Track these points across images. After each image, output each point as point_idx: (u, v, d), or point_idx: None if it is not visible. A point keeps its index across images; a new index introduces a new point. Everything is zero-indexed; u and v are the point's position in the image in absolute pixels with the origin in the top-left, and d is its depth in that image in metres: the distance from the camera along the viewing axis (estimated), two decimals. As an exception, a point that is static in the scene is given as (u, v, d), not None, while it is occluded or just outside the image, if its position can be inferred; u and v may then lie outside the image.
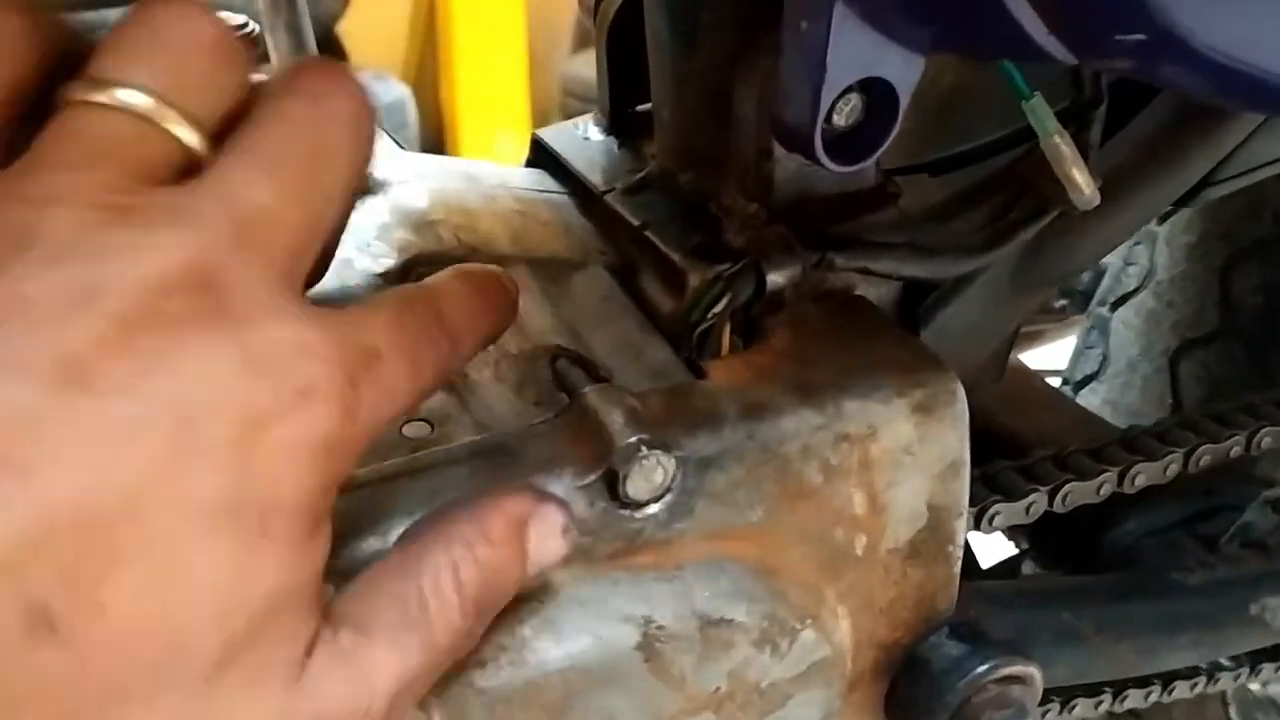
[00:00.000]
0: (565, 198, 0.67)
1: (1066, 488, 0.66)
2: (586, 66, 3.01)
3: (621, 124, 0.68)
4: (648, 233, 0.60)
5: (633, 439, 0.47)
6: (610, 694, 0.48)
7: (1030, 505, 0.65)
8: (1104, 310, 0.95)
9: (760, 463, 0.51)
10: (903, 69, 0.53)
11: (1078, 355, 0.97)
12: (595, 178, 0.65)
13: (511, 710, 0.46)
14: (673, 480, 0.49)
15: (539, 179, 0.69)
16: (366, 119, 0.37)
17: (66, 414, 0.28)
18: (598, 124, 0.69)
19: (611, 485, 0.48)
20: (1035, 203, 0.60)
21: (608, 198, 0.63)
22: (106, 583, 0.28)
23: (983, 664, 0.59)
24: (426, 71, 3.01)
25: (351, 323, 0.35)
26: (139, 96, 0.33)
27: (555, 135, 0.69)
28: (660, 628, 0.48)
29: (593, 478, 0.48)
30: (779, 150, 0.57)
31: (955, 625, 0.61)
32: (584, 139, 0.68)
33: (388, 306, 0.37)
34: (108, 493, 0.28)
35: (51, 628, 0.27)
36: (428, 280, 0.40)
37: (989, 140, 0.67)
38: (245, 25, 0.71)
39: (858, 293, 0.60)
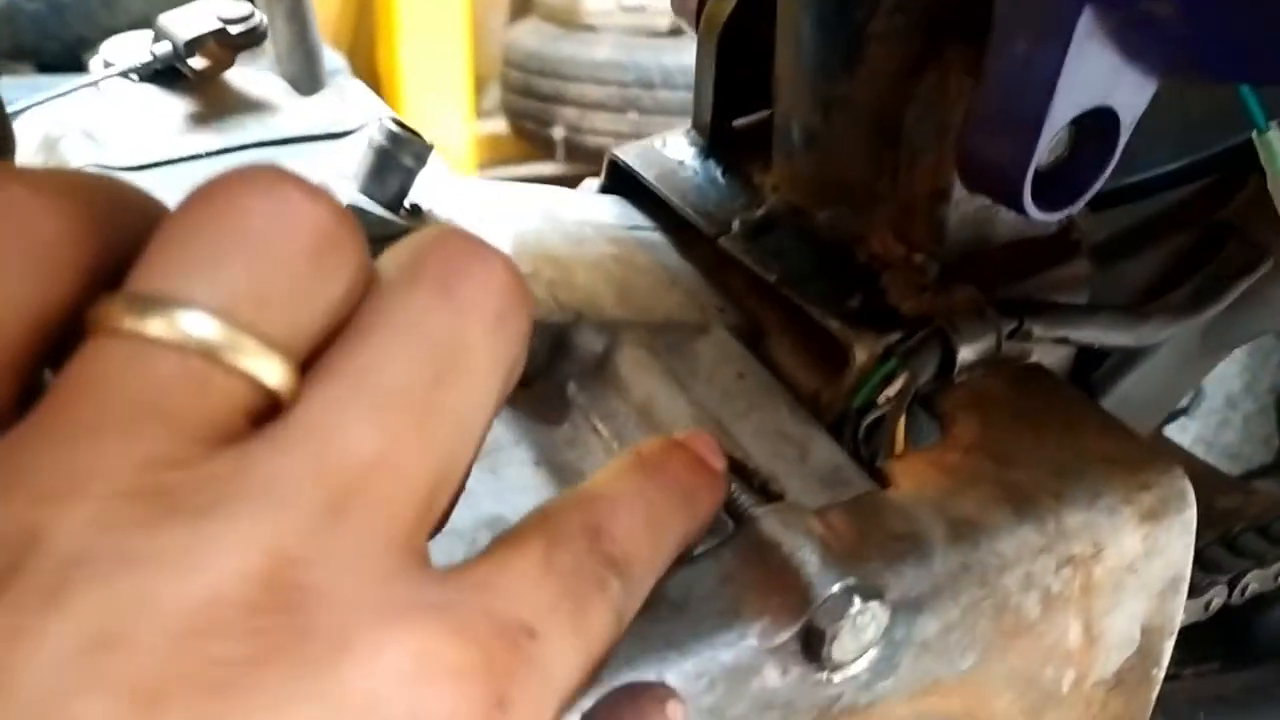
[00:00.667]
0: (658, 235, 0.55)
1: (1247, 577, 0.56)
2: (528, 35, 2.88)
3: (723, 144, 0.57)
4: (786, 290, 0.48)
5: (838, 586, 0.36)
6: None
7: (1209, 602, 0.56)
8: (1194, 339, 0.86)
9: (977, 599, 0.40)
10: (1132, 97, 0.43)
11: (1161, 387, 0.88)
12: (699, 215, 0.53)
13: None
14: (882, 634, 0.38)
15: (621, 211, 0.57)
16: (518, 311, 0.25)
17: None
18: (693, 144, 0.57)
19: (810, 645, 0.37)
20: (1246, 251, 0.50)
21: (723, 242, 0.51)
22: None
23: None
24: (363, 39, 2.86)
25: (487, 589, 0.24)
26: (204, 323, 0.22)
27: (639, 157, 0.57)
28: (873, 828, 0.38)
29: (786, 636, 0.37)
30: (958, 191, 0.47)
31: (1143, 754, 0.51)
32: (677, 162, 0.57)
33: (532, 548, 0.25)
34: None
35: None
36: (582, 486, 0.28)
37: (1158, 173, 0.56)
38: (250, 16, 0.58)
39: (1034, 360, 0.50)
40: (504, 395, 0.26)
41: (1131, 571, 0.44)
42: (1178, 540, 0.45)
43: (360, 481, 0.22)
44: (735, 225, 0.52)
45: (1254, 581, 0.56)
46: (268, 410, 0.23)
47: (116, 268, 0.23)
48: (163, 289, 0.22)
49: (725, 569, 0.38)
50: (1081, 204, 0.44)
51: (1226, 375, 0.84)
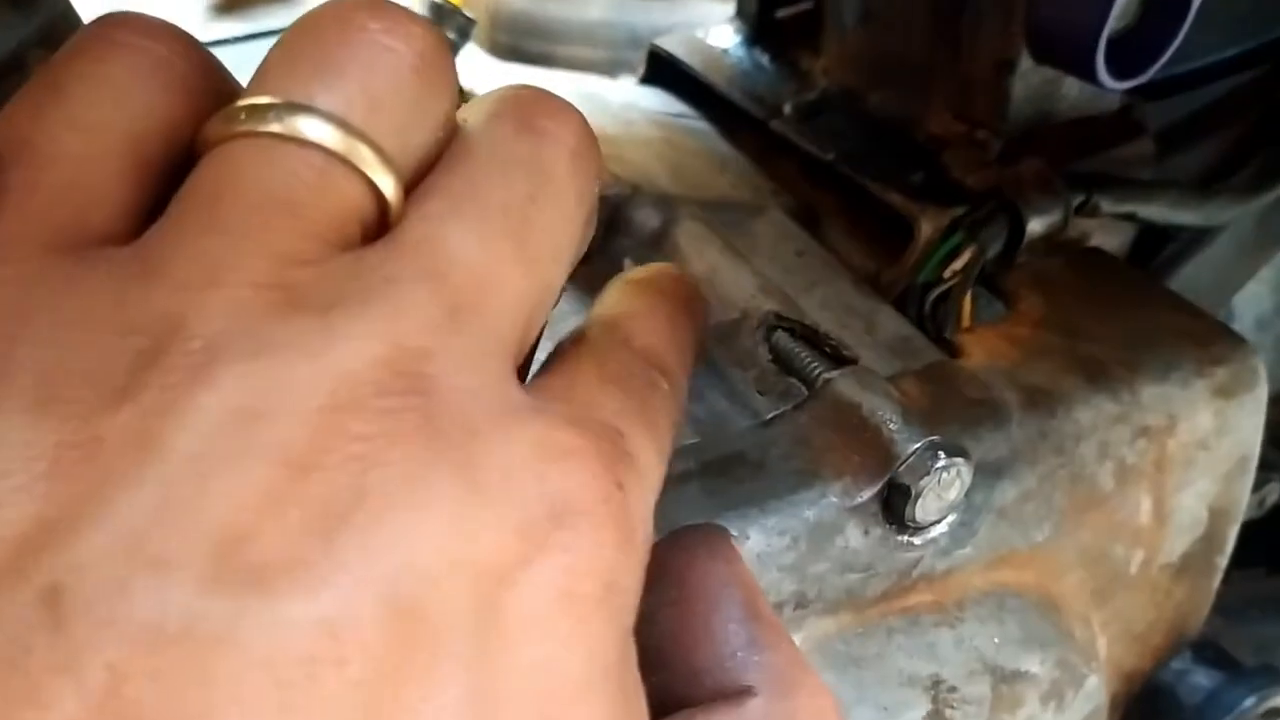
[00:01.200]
0: (703, 123, 0.54)
1: (1299, 474, 0.55)
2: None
3: (769, 32, 0.55)
4: (843, 168, 0.47)
5: (922, 443, 0.35)
6: (887, 778, 0.36)
7: (1264, 498, 0.55)
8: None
9: (1054, 468, 0.39)
10: (1206, -44, 0.42)
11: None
12: (748, 100, 0.52)
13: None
14: (965, 494, 0.37)
15: (663, 100, 0.55)
16: (592, 152, 0.26)
17: (233, 632, 0.18)
18: (737, 32, 0.56)
19: (892, 505, 0.36)
20: (1312, 134, 0.49)
21: (775, 125, 0.50)
22: None
23: (1246, 696, 0.48)
24: None
25: (570, 400, 0.24)
26: (324, 128, 0.22)
27: (682, 46, 0.56)
28: (952, 690, 0.37)
29: (868, 495, 0.35)
30: (1024, 63, 0.45)
31: (1199, 647, 0.50)
32: (721, 52, 0.55)
33: (585, 365, 0.26)
34: None
35: None
36: (597, 312, 0.28)
37: (1214, 61, 0.55)
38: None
39: (1093, 243, 0.48)
40: (586, 236, 0.27)
41: (1203, 448, 0.43)
42: (1249, 419, 0.44)
43: (470, 290, 0.22)
44: (786, 109, 0.50)
45: (1304, 479, 0.56)
46: (377, 221, 0.23)
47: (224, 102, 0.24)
48: (287, 96, 0.22)
49: (802, 430, 0.37)
50: (1152, 73, 0.43)
51: (1257, 296, 0.83)
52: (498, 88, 0.26)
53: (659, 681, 0.24)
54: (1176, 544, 0.45)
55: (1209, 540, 0.46)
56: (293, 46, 0.23)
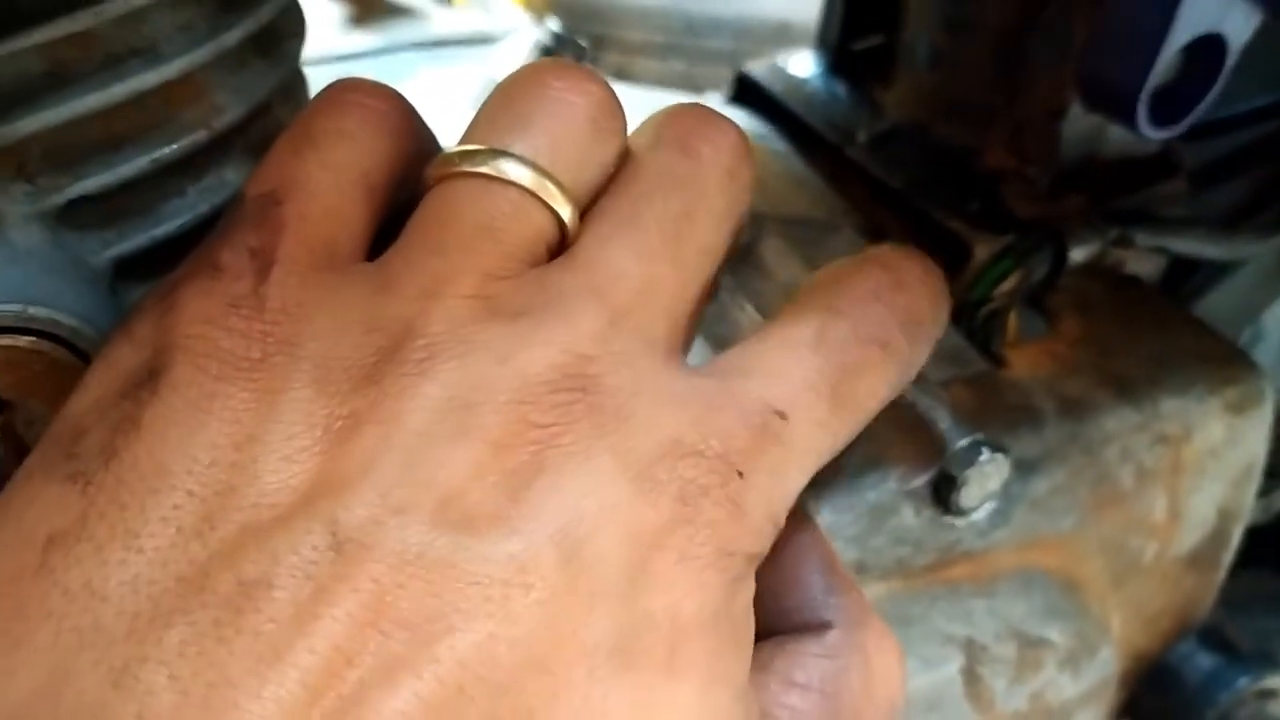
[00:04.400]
0: (784, 145, 0.60)
1: (1308, 484, 0.61)
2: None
3: (846, 64, 0.61)
4: (909, 195, 0.53)
5: (969, 440, 0.42)
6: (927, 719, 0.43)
7: (1270, 503, 0.61)
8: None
9: (1081, 467, 0.46)
10: (1240, 25, 0.47)
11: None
12: (825, 126, 0.58)
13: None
14: (1003, 486, 0.43)
15: (748, 122, 0.62)
16: (746, 165, 0.32)
17: (454, 559, 0.24)
18: (817, 62, 0.62)
19: (941, 491, 0.42)
20: (1332, 180, 0.55)
21: (849, 151, 0.56)
22: None
23: (1243, 676, 0.54)
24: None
25: (745, 375, 0.29)
26: (520, 169, 0.29)
27: (768, 73, 0.62)
28: (983, 649, 0.43)
29: (921, 481, 0.42)
30: (1074, 109, 0.51)
31: (1204, 633, 0.56)
32: (802, 80, 0.62)
33: (796, 331, 0.30)
34: (507, 644, 0.24)
35: None
36: (832, 270, 0.33)
37: (1248, 108, 0.61)
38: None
39: (1129, 271, 0.55)
40: (733, 239, 0.32)
41: (1214, 456, 0.49)
42: (1255, 432, 0.50)
43: (631, 299, 0.28)
44: (860, 136, 0.57)
45: (1314, 489, 0.62)
46: (558, 241, 0.30)
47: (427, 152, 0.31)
48: (489, 143, 0.29)
49: (867, 427, 0.43)
50: (1189, 123, 0.49)
51: (1284, 317, 0.89)
52: (664, 108, 0.32)
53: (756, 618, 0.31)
54: (1187, 540, 0.51)
55: (1216, 538, 0.52)
56: (496, 103, 0.31)
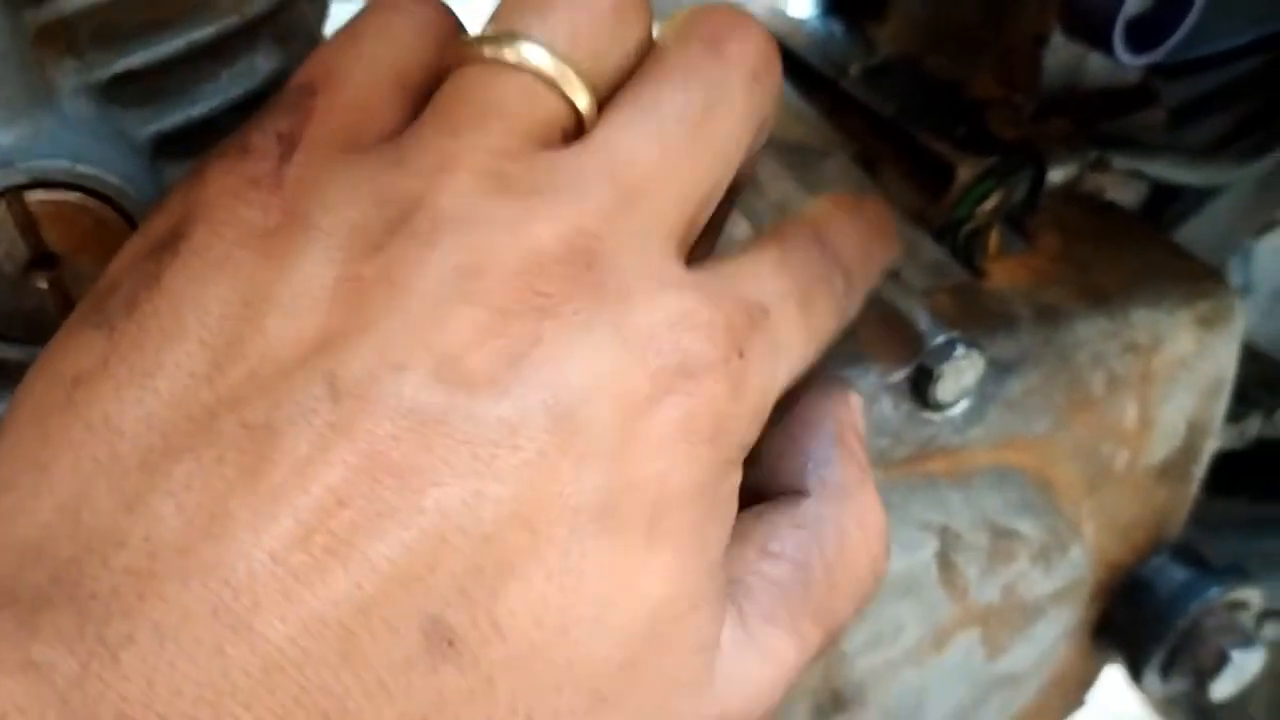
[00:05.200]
0: (785, 82, 0.63)
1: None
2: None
3: (841, 4, 0.64)
4: (900, 121, 0.56)
5: (945, 337, 0.44)
6: (902, 603, 0.46)
7: (1244, 429, 0.63)
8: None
9: (1054, 370, 0.48)
10: (1214, -43, 0.50)
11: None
12: (821, 61, 0.61)
13: (818, 616, 0.43)
14: (978, 383, 0.46)
15: (749, 59, 0.64)
16: (773, 70, 0.33)
17: (446, 417, 0.26)
18: (814, 3, 0.65)
19: (919, 385, 0.45)
20: (1305, 111, 0.57)
21: (843, 83, 0.59)
22: (500, 597, 0.26)
23: (1213, 587, 0.57)
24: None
25: (733, 278, 0.31)
26: (541, 55, 0.30)
27: (767, 15, 0.65)
28: (956, 536, 0.46)
29: (900, 375, 0.45)
30: (1056, 37, 0.54)
31: (1177, 549, 0.59)
32: (800, 20, 0.64)
33: (769, 250, 0.33)
34: (492, 500, 0.26)
35: (452, 645, 0.25)
36: (804, 212, 0.36)
37: (1233, 45, 0.63)
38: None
39: (1109, 198, 0.57)
40: (756, 142, 0.34)
41: (1184, 367, 0.52)
42: (1224, 347, 0.53)
43: (644, 184, 0.30)
44: (854, 70, 0.59)
45: (1286, 417, 0.64)
46: (574, 130, 0.31)
47: None
48: (511, 29, 0.30)
49: (853, 325, 0.46)
50: (1165, 50, 0.51)
51: (1272, 270, 0.91)
52: (695, 6, 0.32)
53: (749, 475, 0.32)
54: (1158, 450, 0.54)
55: (1187, 450, 0.55)
56: None
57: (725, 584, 0.30)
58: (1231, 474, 0.72)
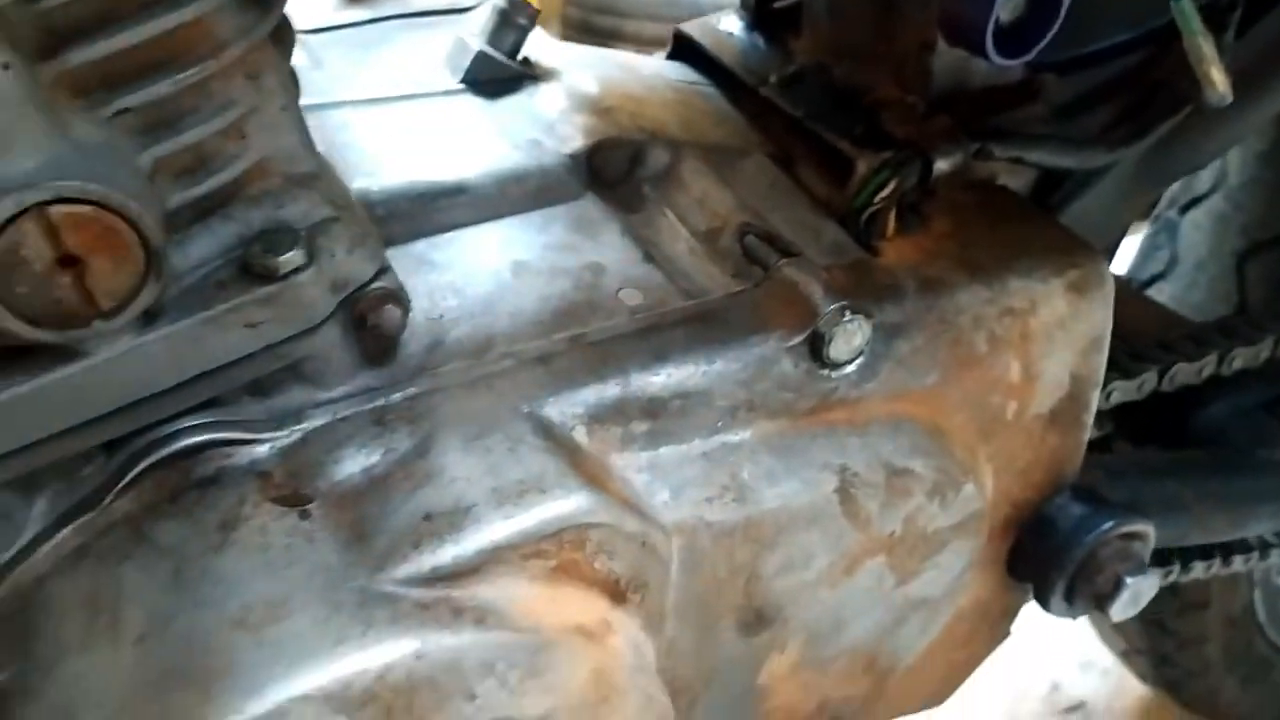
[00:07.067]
0: (712, 89, 0.70)
1: (1175, 368, 0.71)
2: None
3: (764, 20, 0.72)
4: (809, 123, 0.63)
5: (835, 305, 0.52)
6: (809, 533, 0.53)
7: (1142, 384, 0.70)
8: (1173, 213, 1.00)
9: (937, 332, 0.56)
10: (1070, -32, 0.57)
11: (1144, 256, 1.02)
12: (745, 72, 0.68)
13: (733, 542, 0.51)
14: (867, 344, 0.53)
15: (683, 71, 0.72)
16: None
17: None
18: (741, 19, 0.72)
19: (815, 347, 0.52)
20: (1170, 100, 0.65)
21: (763, 90, 0.67)
22: None
23: (1108, 521, 0.64)
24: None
25: None
26: None
27: (699, 30, 0.72)
28: (855, 474, 0.54)
29: (798, 339, 0.52)
30: (941, 44, 0.61)
31: (1077, 489, 0.66)
32: (728, 34, 0.72)
33: None
34: None
35: None
36: None
37: (1114, 43, 0.71)
38: None
39: (1000, 182, 0.65)
40: None
41: (1060, 327, 0.59)
42: (1098, 309, 0.60)
43: None
44: (772, 78, 0.67)
45: (1180, 374, 0.71)
46: None
47: None
48: None
49: (758, 297, 0.54)
50: (1033, 54, 0.59)
51: (1195, 243, 0.98)
52: None
53: None
54: (1045, 400, 0.61)
55: (1073, 400, 0.62)
56: None
57: None
58: (1144, 424, 0.80)
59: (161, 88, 0.40)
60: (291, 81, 0.45)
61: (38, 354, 0.41)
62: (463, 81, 0.63)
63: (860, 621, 0.59)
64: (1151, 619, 1.13)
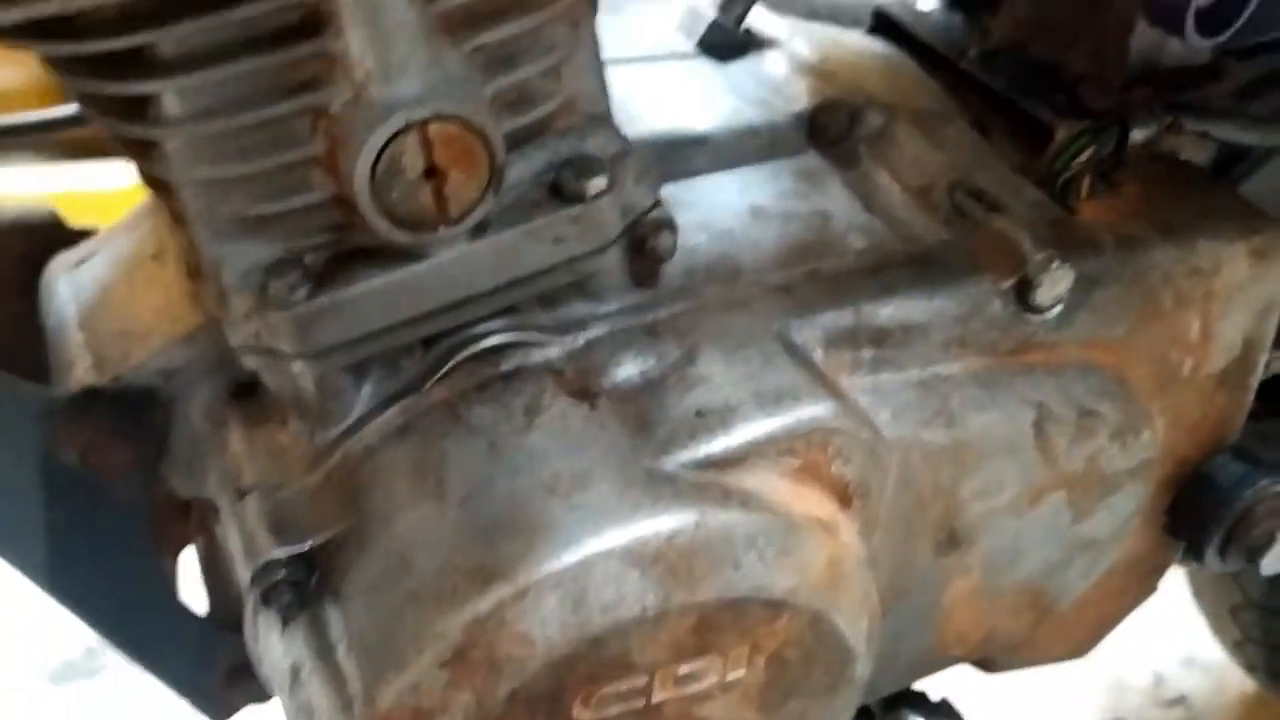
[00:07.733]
0: (912, 63, 0.76)
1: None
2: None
3: (962, 0, 0.77)
4: (1009, 94, 0.69)
5: (1044, 254, 0.58)
6: (1005, 461, 0.59)
7: None
8: None
9: (1130, 286, 0.61)
10: (1271, -43, 0.62)
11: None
12: (944, 46, 0.74)
13: (940, 463, 0.57)
14: (1068, 292, 0.59)
15: (884, 46, 0.78)
16: None
17: None
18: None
19: (1022, 292, 0.58)
20: (1349, 87, 0.69)
21: (962, 64, 0.72)
22: None
23: (1266, 478, 0.69)
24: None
25: None
26: None
27: (897, 8, 0.78)
28: (1050, 411, 0.60)
29: (1009, 283, 0.58)
30: (1139, 24, 0.67)
31: (1236, 449, 0.71)
32: (926, 13, 0.78)
33: None
34: None
35: None
36: None
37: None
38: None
39: (1184, 156, 0.70)
40: None
41: (1240, 290, 0.64)
42: (1275, 275, 0.65)
43: None
44: (971, 53, 0.73)
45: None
46: None
47: None
48: None
49: (974, 245, 0.60)
50: (1228, 35, 0.64)
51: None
52: None
53: None
54: (1218, 359, 0.66)
55: (1242, 362, 0.67)
56: None
57: None
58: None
59: (510, 29, 0.47)
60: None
61: (387, 253, 0.48)
62: (697, 46, 0.70)
63: (1035, 554, 0.65)
64: (1272, 609, 1.18)
